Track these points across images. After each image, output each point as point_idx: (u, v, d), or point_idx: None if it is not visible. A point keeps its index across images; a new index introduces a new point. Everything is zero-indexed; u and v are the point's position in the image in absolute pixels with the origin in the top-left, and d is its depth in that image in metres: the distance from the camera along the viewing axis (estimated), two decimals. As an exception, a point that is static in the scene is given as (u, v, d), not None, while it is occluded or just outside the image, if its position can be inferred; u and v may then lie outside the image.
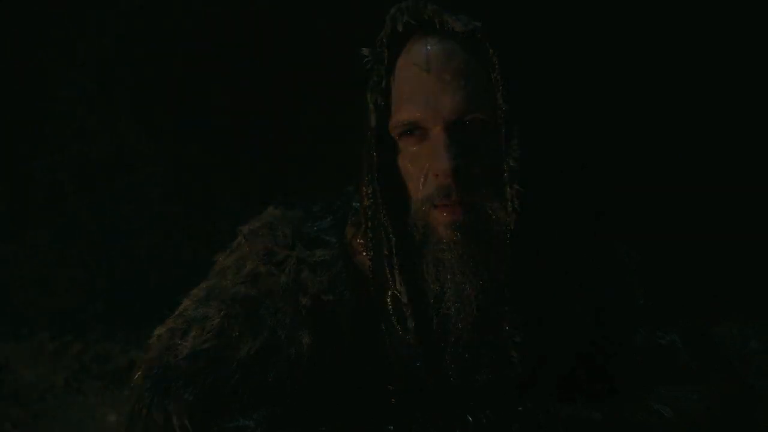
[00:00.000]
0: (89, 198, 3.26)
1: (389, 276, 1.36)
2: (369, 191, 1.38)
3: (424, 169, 1.33)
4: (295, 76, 3.20)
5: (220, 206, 3.26)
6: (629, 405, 1.35)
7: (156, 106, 3.25)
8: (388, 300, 1.37)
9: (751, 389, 1.41)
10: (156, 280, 3.15)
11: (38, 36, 3.14)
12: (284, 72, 3.20)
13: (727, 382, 1.40)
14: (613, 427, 1.33)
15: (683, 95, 3.10)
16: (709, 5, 3.07)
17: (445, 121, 1.31)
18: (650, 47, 3.06)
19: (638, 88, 3.09)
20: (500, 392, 1.34)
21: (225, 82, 3.25)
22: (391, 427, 1.28)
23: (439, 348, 1.35)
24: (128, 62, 3.21)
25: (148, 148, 3.28)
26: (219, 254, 1.55)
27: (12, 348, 2.90)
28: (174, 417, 1.30)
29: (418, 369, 1.36)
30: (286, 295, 1.40)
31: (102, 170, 3.26)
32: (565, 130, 1.46)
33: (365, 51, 1.38)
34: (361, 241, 1.43)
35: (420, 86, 1.32)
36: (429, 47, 1.33)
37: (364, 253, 1.43)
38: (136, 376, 1.39)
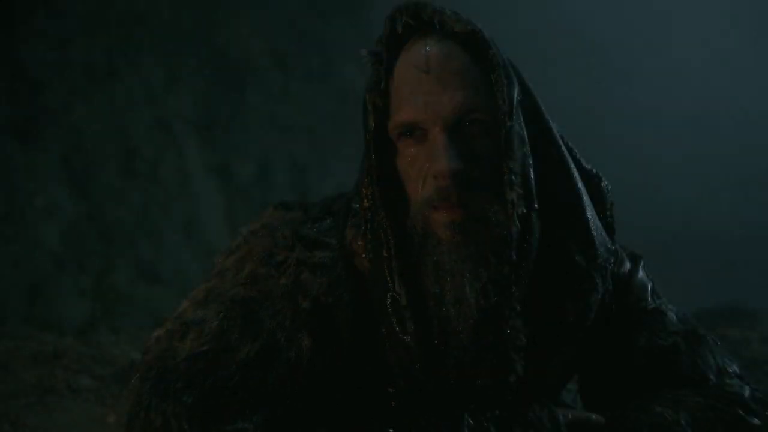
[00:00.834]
0: (89, 200, 3.26)
1: (389, 278, 1.35)
2: (368, 193, 1.37)
3: (423, 171, 1.32)
4: (297, 77, 3.20)
5: (221, 208, 3.26)
6: (632, 408, 1.35)
7: (159, 104, 3.24)
8: (388, 302, 1.36)
9: (754, 392, 1.41)
10: (157, 282, 3.15)
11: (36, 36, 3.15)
12: (286, 73, 3.20)
13: (730, 385, 1.40)
14: (615, 430, 1.32)
15: (684, 96, 3.09)
16: (711, 6, 3.08)
17: (444, 122, 1.30)
18: (651, 47, 3.06)
19: (639, 88, 3.09)
20: (501, 395, 1.33)
21: (225, 83, 3.24)
22: (391, 430, 1.28)
23: (439, 350, 1.34)
24: (128, 63, 3.21)
25: (149, 151, 3.28)
26: (218, 256, 1.54)
27: (11, 348, 2.90)
28: (172, 419, 1.29)
29: (417, 371, 1.35)
30: (285, 296, 1.39)
31: (103, 171, 3.26)
32: (565, 132, 1.44)
33: (364, 52, 1.37)
34: (361, 243, 1.42)
35: (419, 87, 1.31)
36: (428, 48, 1.32)
37: (364, 255, 1.42)
38: (135, 377, 1.39)
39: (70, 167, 3.18)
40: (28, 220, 3.37)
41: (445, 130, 1.30)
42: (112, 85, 3.31)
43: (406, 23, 1.34)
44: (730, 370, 1.44)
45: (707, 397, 1.36)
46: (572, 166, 1.42)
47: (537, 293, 1.35)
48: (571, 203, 1.41)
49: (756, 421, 1.34)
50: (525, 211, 1.31)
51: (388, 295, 1.35)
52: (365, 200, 1.39)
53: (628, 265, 1.50)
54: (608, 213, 1.49)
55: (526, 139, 1.33)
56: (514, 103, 1.31)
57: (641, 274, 1.51)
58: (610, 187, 1.51)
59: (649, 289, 1.50)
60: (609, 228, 1.47)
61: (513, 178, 1.31)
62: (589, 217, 1.41)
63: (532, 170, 1.33)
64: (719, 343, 1.49)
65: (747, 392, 1.39)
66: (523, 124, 1.33)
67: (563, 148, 1.42)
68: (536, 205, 1.33)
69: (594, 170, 1.50)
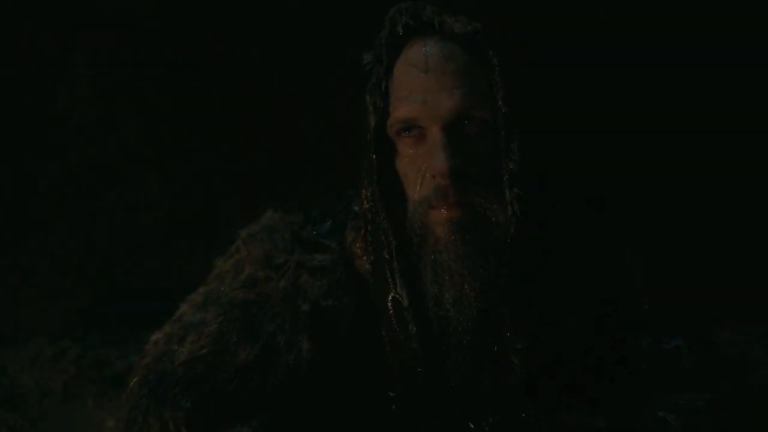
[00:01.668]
0: (88, 203, 3.26)
1: (390, 279, 1.34)
2: (368, 194, 1.37)
3: (421, 169, 1.32)
4: (296, 77, 3.20)
5: (221, 211, 3.25)
6: (634, 412, 1.34)
7: (156, 108, 3.24)
8: (389, 304, 1.35)
9: (757, 396, 1.40)
10: (155, 286, 3.14)
11: (36, 37, 3.15)
12: (285, 73, 3.19)
13: (733, 389, 1.39)
14: (617, 434, 1.32)
15: (684, 96, 3.09)
16: (710, 6, 3.07)
17: (442, 121, 1.29)
18: (651, 47, 3.06)
19: (639, 89, 3.09)
20: (503, 398, 1.33)
21: (224, 83, 3.24)
22: (392, 436, 1.27)
23: (440, 352, 1.33)
24: (128, 64, 3.21)
25: (148, 153, 3.27)
26: (217, 259, 1.54)
27: (10, 352, 2.89)
28: (170, 423, 1.29)
29: (419, 374, 1.34)
30: (284, 300, 1.39)
31: (101, 175, 3.25)
32: (565, 133, 1.44)
33: (365, 54, 1.37)
34: (361, 245, 1.42)
35: (418, 86, 1.31)
36: (428, 48, 1.32)
37: (364, 257, 1.42)
38: (133, 381, 1.38)
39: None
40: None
41: (444, 128, 1.29)
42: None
43: (406, 24, 1.34)
44: (734, 373, 1.43)
45: (711, 401, 1.35)
46: (573, 167, 1.42)
47: (538, 295, 1.35)
48: (572, 203, 1.40)
49: (762, 424, 1.34)
50: (524, 211, 1.31)
51: (390, 297, 1.35)
52: (365, 202, 1.38)
53: (630, 266, 1.49)
54: (612, 213, 1.49)
55: (527, 141, 1.33)
56: (514, 104, 1.31)
57: (644, 275, 1.50)
58: (611, 188, 1.50)
59: (652, 290, 1.49)
60: (612, 227, 1.47)
61: (512, 178, 1.30)
62: (591, 216, 1.41)
63: (532, 172, 1.32)
64: (722, 344, 1.49)
65: (750, 395, 1.38)
66: (524, 125, 1.33)
67: (564, 149, 1.42)
68: (536, 208, 1.32)
69: (595, 171, 1.50)
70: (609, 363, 1.42)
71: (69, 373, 2.77)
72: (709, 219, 3.13)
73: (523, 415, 1.31)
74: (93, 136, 3.24)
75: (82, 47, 3.19)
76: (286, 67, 3.18)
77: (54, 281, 3.24)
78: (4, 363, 2.84)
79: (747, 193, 3.15)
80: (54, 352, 2.90)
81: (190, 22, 3.16)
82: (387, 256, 1.34)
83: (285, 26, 3.14)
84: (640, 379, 1.40)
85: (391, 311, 1.35)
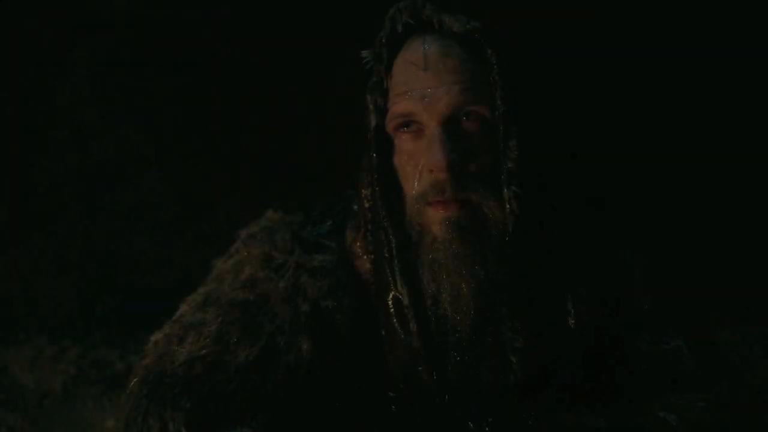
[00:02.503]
0: (88, 203, 3.25)
1: (390, 278, 1.35)
2: (368, 193, 1.38)
3: (419, 165, 1.32)
4: (297, 77, 3.19)
5: (221, 211, 3.25)
6: (634, 412, 1.33)
7: (156, 108, 3.24)
8: (390, 303, 1.35)
9: (757, 396, 1.40)
10: (155, 286, 3.14)
11: (36, 37, 3.14)
12: (286, 73, 3.19)
13: (733, 389, 1.39)
14: (617, 435, 1.31)
15: (685, 96, 3.08)
16: (710, 6, 3.07)
17: (440, 116, 1.30)
18: (650, 46, 3.05)
19: (639, 88, 3.08)
20: (502, 399, 1.32)
21: (225, 83, 3.24)
22: (392, 436, 1.27)
23: (439, 351, 1.33)
24: (128, 64, 3.20)
25: (148, 153, 3.27)
26: (217, 259, 1.54)
27: (10, 352, 2.89)
28: (170, 424, 1.29)
29: (419, 373, 1.34)
30: (284, 300, 1.39)
31: (101, 175, 3.25)
32: (564, 131, 1.44)
33: (365, 53, 1.37)
34: (361, 244, 1.42)
35: (417, 82, 1.31)
36: (426, 46, 1.33)
37: (365, 257, 1.42)
38: (132, 382, 1.38)
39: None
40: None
41: (442, 124, 1.30)
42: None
43: (406, 23, 1.34)
44: (735, 373, 1.43)
45: (711, 402, 1.35)
46: (572, 165, 1.42)
47: (536, 294, 1.35)
48: (572, 202, 1.40)
49: (763, 424, 1.34)
50: (522, 209, 1.31)
51: (390, 296, 1.35)
52: (365, 201, 1.39)
53: (630, 266, 1.49)
54: (612, 212, 1.49)
55: (525, 139, 1.33)
56: (512, 102, 1.31)
57: (644, 275, 1.50)
58: (611, 187, 1.50)
59: (652, 290, 1.49)
60: (613, 227, 1.47)
61: (510, 176, 1.31)
62: (591, 216, 1.41)
63: (529, 170, 1.32)
64: (722, 344, 1.49)
65: (751, 395, 1.38)
66: (522, 123, 1.33)
67: (563, 147, 1.42)
68: (534, 206, 1.33)
69: (595, 171, 1.50)
70: (609, 363, 1.42)
71: (69, 374, 2.76)
72: (710, 219, 3.12)
73: (523, 415, 1.30)
74: (93, 136, 3.23)
75: (82, 47, 3.19)
76: (286, 67, 3.17)
77: (54, 281, 3.23)
78: (4, 363, 2.84)
79: (747, 193, 3.15)
80: (54, 353, 2.89)
81: (190, 22, 3.16)
82: (387, 255, 1.34)
83: (285, 27, 3.14)
84: (641, 380, 1.40)
85: (391, 310, 1.35)
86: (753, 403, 1.37)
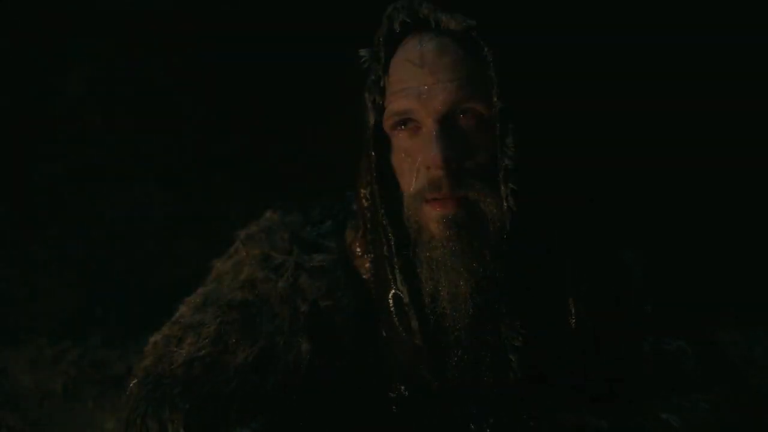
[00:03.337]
0: (88, 203, 3.25)
1: (390, 276, 1.34)
2: (368, 192, 1.38)
3: (416, 163, 1.32)
4: (297, 78, 3.19)
5: (221, 212, 3.25)
6: (636, 414, 1.33)
7: (156, 108, 3.24)
8: (390, 302, 1.35)
9: (759, 397, 1.39)
10: (155, 287, 3.14)
11: (36, 37, 3.15)
12: (286, 73, 3.19)
13: (735, 390, 1.38)
14: (619, 436, 1.31)
15: (685, 95, 3.08)
16: (710, 5, 3.06)
17: (437, 113, 1.30)
18: (649, 45, 3.05)
19: (639, 87, 3.08)
20: (503, 398, 1.32)
21: (225, 84, 3.24)
22: (392, 437, 1.27)
23: (439, 350, 1.33)
24: (128, 64, 3.20)
25: (148, 153, 3.27)
26: (217, 260, 1.54)
27: (10, 353, 2.89)
28: (169, 426, 1.28)
29: (421, 371, 1.34)
30: (283, 300, 1.39)
31: (101, 175, 3.25)
32: (562, 129, 1.44)
33: (363, 51, 1.38)
34: (361, 244, 1.42)
35: (413, 79, 1.31)
36: (423, 44, 1.33)
37: (365, 257, 1.42)
38: (132, 383, 1.38)
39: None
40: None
41: (438, 121, 1.30)
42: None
43: (403, 21, 1.35)
44: (737, 374, 1.42)
45: (714, 403, 1.34)
46: (572, 165, 1.42)
47: (535, 292, 1.35)
48: (570, 201, 1.40)
49: (765, 425, 1.33)
50: (520, 207, 1.30)
51: (390, 294, 1.34)
52: (364, 200, 1.39)
53: (630, 265, 1.49)
54: (612, 211, 1.48)
55: (523, 136, 1.32)
56: (509, 100, 1.31)
57: (645, 274, 1.49)
58: (615, 186, 1.50)
59: (653, 289, 1.48)
60: (613, 225, 1.46)
61: (507, 173, 1.30)
62: (591, 214, 1.40)
63: (527, 167, 1.32)
64: (725, 344, 1.48)
65: (754, 397, 1.37)
66: (519, 121, 1.32)
67: (561, 145, 1.42)
68: (532, 203, 1.32)
69: (594, 170, 1.49)
70: (610, 363, 1.42)
71: (69, 375, 2.76)
72: (711, 219, 3.12)
73: (524, 415, 1.30)
74: (93, 136, 3.23)
75: (82, 47, 3.19)
76: (286, 67, 3.17)
77: (54, 281, 3.23)
78: (3, 364, 2.83)
79: (749, 193, 3.14)
80: (54, 354, 2.89)
81: (190, 22, 3.16)
82: (386, 254, 1.34)
83: (286, 27, 3.14)
84: (642, 380, 1.39)
85: (392, 308, 1.35)
86: (755, 404, 1.37)
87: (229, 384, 1.32)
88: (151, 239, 3.26)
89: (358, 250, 1.44)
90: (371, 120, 1.36)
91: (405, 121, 1.33)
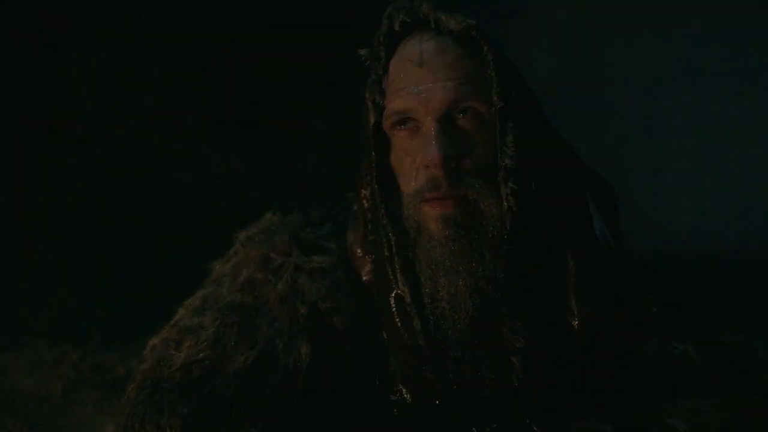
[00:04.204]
0: (89, 204, 3.25)
1: (392, 277, 1.33)
2: (368, 193, 1.38)
3: (416, 162, 1.32)
4: (297, 77, 3.20)
5: (222, 213, 3.25)
6: (641, 418, 1.31)
7: (156, 108, 3.24)
8: (392, 302, 1.34)
9: (765, 401, 1.38)
10: (155, 289, 3.13)
11: (36, 37, 3.15)
12: (286, 73, 3.19)
13: (741, 395, 1.37)
14: (624, 441, 1.29)
15: (684, 94, 3.08)
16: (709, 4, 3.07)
17: (436, 112, 1.30)
18: (648, 44, 3.05)
19: (639, 86, 3.08)
20: (505, 401, 1.30)
21: (225, 84, 3.24)
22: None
23: (441, 351, 1.32)
24: (127, 64, 3.21)
25: (148, 153, 3.27)
26: (216, 262, 1.53)
27: (9, 356, 2.89)
28: (167, 430, 1.27)
29: (423, 372, 1.32)
30: (282, 302, 1.38)
31: (101, 175, 3.25)
32: (561, 129, 1.43)
33: (363, 51, 1.38)
34: (362, 245, 1.41)
35: (413, 78, 1.32)
36: (422, 44, 1.33)
37: (365, 257, 1.41)
38: (130, 387, 1.37)
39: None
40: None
41: (438, 120, 1.30)
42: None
43: (403, 21, 1.35)
44: (743, 378, 1.41)
45: (720, 407, 1.33)
46: (572, 165, 1.41)
47: (537, 293, 1.33)
48: (571, 202, 1.39)
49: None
50: (520, 206, 1.30)
51: (392, 295, 1.33)
52: (364, 201, 1.39)
53: (634, 269, 1.47)
54: (614, 215, 1.48)
55: (522, 136, 1.31)
56: (509, 99, 1.31)
57: (650, 277, 1.48)
58: (615, 190, 1.50)
59: (657, 293, 1.47)
60: (615, 230, 1.45)
61: (507, 173, 1.30)
62: (591, 216, 1.39)
63: (527, 167, 1.31)
64: (731, 349, 1.47)
65: (760, 401, 1.36)
66: (519, 120, 1.32)
67: (563, 147, 1.41)
68: (532, 203, 1.31)
69: (597, 172, 1.49)
70: (614, 366, 1.40)
71: (68, 378, 2.76)
72: (712, 218, 3.12)
73: (527, 419, 1.28)
74: (93, 136, 3.23)
75: (82, 47, 3.19)
76: (287, 67, 3.18)
77: (54, 283, 3.23)
78: (3, 367, 2.83)
79: (750, 193, 3.14)
80: (53, 357, 2.89)
81: (190, 22, 3.16)
82: (387, 254, 1.33)
83: (286, 27, 3.14)
84: (648, 384, 1.38)
85: (394, 309, 1.34)
86: (761, 409, 1.35)
87: (228, 388, 1.30)
88: (152, 241, 3.26)
89: (359, 251, 1.43)
90: (371, 119, 1.35)
91: (404, 120, 1.33)
